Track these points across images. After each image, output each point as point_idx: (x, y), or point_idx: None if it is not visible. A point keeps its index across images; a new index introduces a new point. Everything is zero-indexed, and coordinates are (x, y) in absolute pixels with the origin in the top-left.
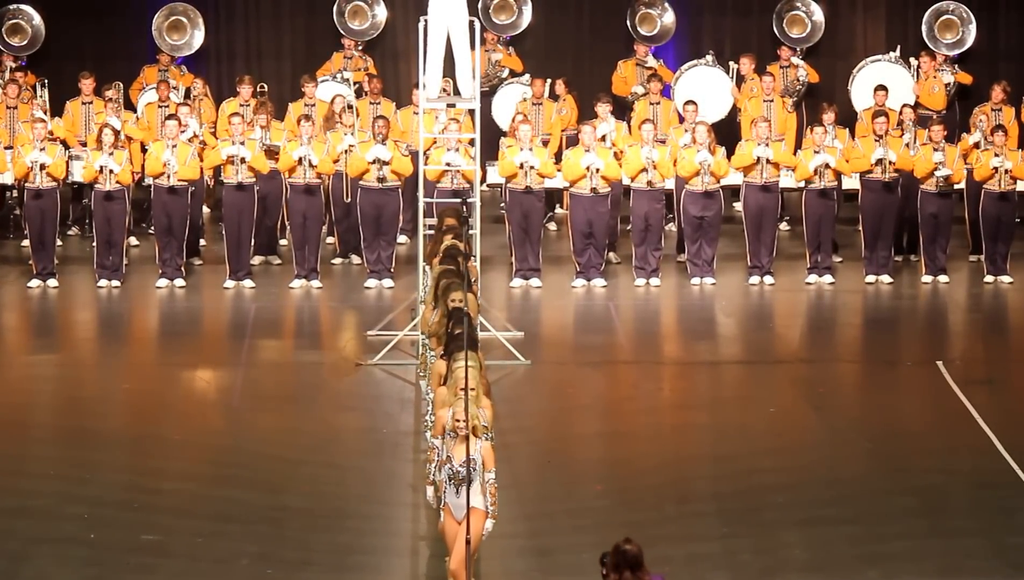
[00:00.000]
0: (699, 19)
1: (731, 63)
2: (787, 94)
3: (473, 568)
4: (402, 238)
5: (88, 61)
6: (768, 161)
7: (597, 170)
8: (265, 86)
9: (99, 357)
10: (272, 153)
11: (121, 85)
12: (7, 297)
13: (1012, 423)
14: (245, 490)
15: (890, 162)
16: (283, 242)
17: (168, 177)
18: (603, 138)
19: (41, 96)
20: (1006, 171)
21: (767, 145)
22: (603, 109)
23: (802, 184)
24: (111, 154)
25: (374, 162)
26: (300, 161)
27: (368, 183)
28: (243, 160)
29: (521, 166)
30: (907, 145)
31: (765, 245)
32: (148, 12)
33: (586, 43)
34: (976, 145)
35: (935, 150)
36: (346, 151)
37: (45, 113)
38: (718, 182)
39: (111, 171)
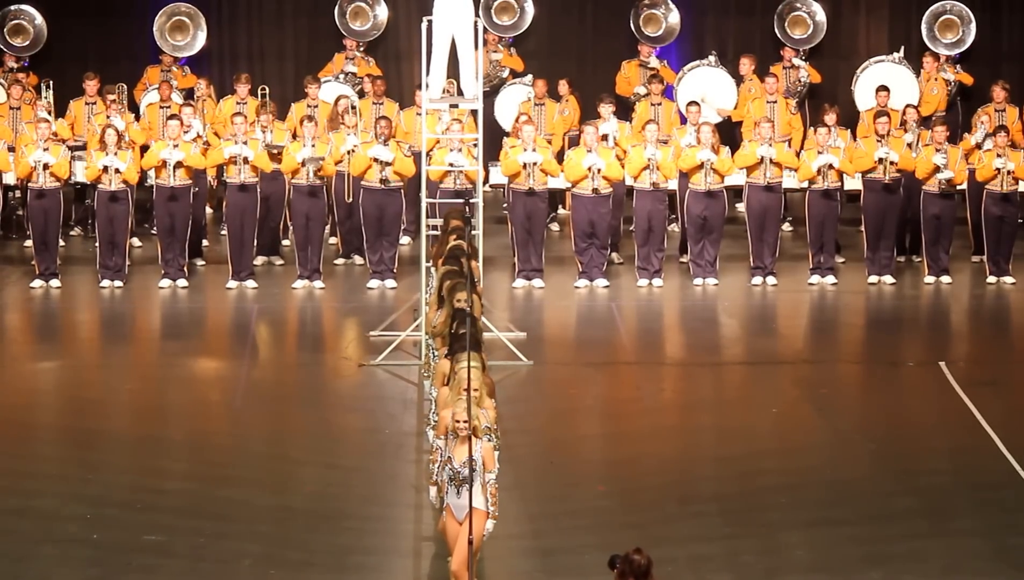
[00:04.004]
0: (702, 19)
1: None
2: (789, 95)
3: (475, 568)
4: (405, 239)
5: (90, 62)
6: (771, 161)
7: (599, 170)
8: (267, 88)
9: (102, 358)
10: (274, 154)
11: (125, 87)
12: (10, 298)
13: (1015, 424)
14: (247, 491)
15: (892, 162)
16: (286, 243)
17: (170, 177)
18: (605, 137)
19: (46, 97)
20: (1008, 172)
21: (770, 145)
22: (606, 109)
23: (805, 185)
24: (115, 154)
25: (375, 161)
26: (303, 163)
27: (370, 184)
28: (246, 160)
29: (524, 166)
30: (909, 145)
31: (768, 246)
32: (150, 13)
33: (589, 43)
34: (978, 145)
35: (937, 151)
36: (349, 152)
37: (49, 113)
38: (722, 181)
39: (116, 170)
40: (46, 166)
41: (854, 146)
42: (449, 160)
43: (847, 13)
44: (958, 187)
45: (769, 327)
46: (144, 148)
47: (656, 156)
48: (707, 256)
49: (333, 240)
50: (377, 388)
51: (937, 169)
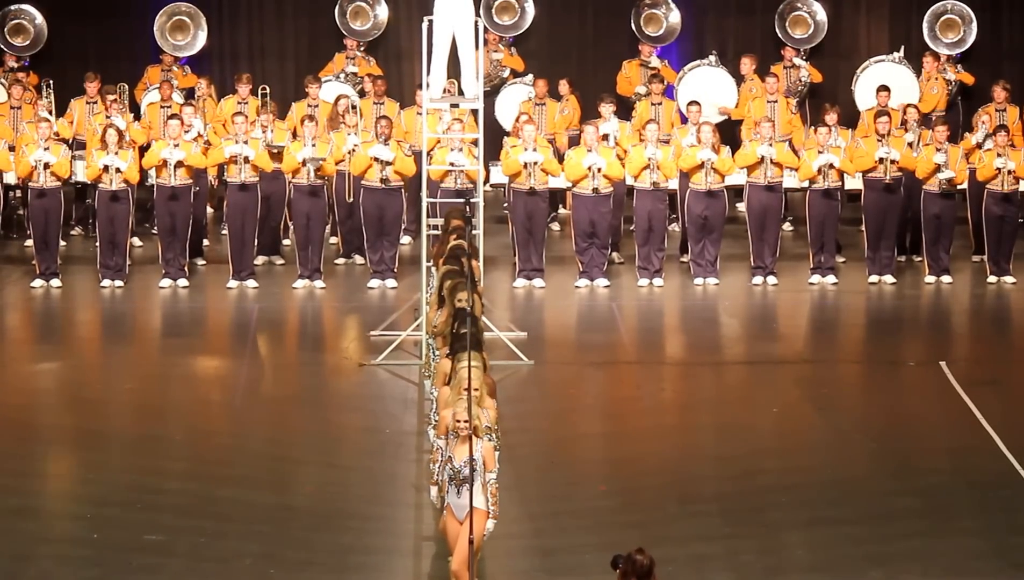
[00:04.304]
0: (703, 19)
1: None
2: (789, 94)
3: (476, 568)
4: (405, 238)
5: (91, 61)
6: (771, 161)
7: (599, 170)
8: (267, 88)
9: (102, 357)
10: (274, 154)
11: (126, 87)
12: (10, 297)
13: (1015, 423)
14: (248, 490)
15: (892, 161)
16: (286, 242)
17: (171, 177)
18: (605, 137)
19: (46, 96)
20: (1009, 172)
21: (771, 145)
22: (607, 109)
23: (805, 184)
24: (116, 153)
25: (376, 160)
26: (304, 163)
27: (371, 183)
28: (246, 159)
29: (525, 166)
30: (910, 145)
31: (768, 245)
32: (151, 12)
33: (589, 43)
34: (979, 145)
35: (937, 150)
36: (350, 152)
37: (50, 113)
38: (722, 180)
39: (117, 169)
40: (47, 166)
41: (855, 145)
42: (450, 159)
43: (848, 13)
44: (958, 187)
45: (770, 327)
46: (145, 148)
47: (656, 155)
48: (708, 256)
49: (334, 240)
50: (377, 387)
51: (938, 168)
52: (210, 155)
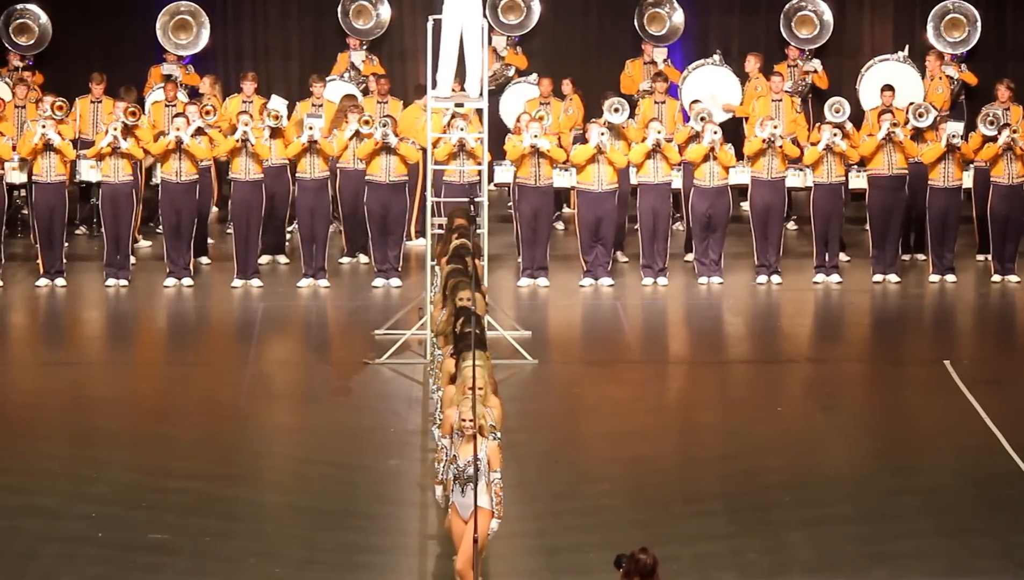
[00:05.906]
0: (706, 18)
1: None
2: (794, 93)
3: (480, 567)
4: (422, 241)
5: (95, 61)
6: (775, 143)
7: (602, 151)
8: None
9: (107, 356)
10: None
11: (134, 89)
12: (15, 296)
13: (1019, 423)
14: (252, 489)
15: (898, 139)
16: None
17: (177, 174)
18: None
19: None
20: (1016, 156)
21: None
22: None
23: (810, 184)
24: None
25: (380, 148)
26: (308, 147)
27: (375, 178)
28: (250, 153)
29: (532, 151)
30: (913, 139)
31: (772, 244)
32: (156, 12)
33: (593, 42)
34: (985, 141)
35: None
36: (354, 137)
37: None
38: (727, 176)
39: (122, 154)
40: (49, 147)
41: (859, 137)
42: (456, 138)
43: (852, 12)
44: (963, 185)
45: (774, 326)
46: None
47: (660, 136)
48: (712, 255)
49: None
50: (382, 386)
51: (949, 149)
52: (219, 146)
